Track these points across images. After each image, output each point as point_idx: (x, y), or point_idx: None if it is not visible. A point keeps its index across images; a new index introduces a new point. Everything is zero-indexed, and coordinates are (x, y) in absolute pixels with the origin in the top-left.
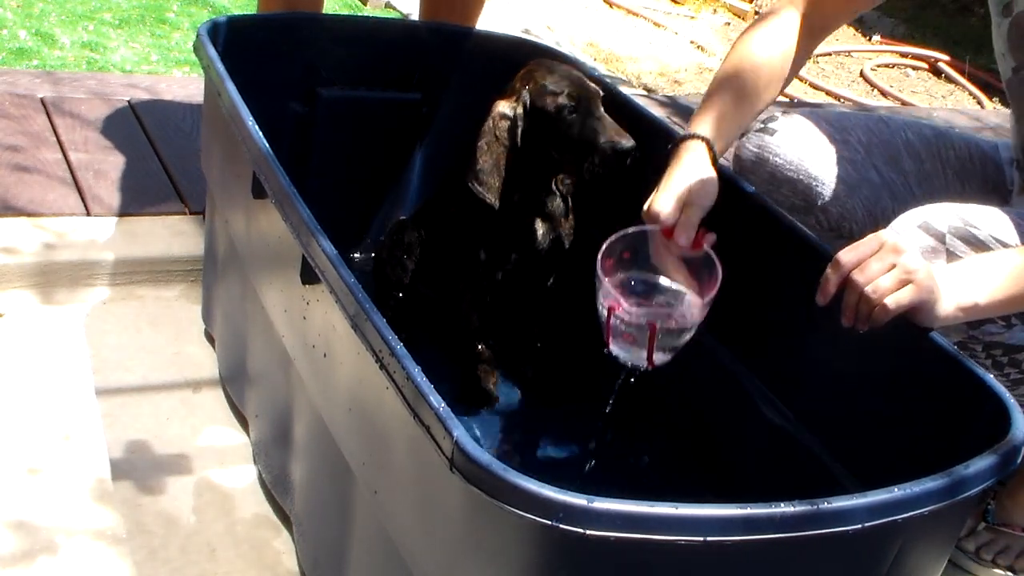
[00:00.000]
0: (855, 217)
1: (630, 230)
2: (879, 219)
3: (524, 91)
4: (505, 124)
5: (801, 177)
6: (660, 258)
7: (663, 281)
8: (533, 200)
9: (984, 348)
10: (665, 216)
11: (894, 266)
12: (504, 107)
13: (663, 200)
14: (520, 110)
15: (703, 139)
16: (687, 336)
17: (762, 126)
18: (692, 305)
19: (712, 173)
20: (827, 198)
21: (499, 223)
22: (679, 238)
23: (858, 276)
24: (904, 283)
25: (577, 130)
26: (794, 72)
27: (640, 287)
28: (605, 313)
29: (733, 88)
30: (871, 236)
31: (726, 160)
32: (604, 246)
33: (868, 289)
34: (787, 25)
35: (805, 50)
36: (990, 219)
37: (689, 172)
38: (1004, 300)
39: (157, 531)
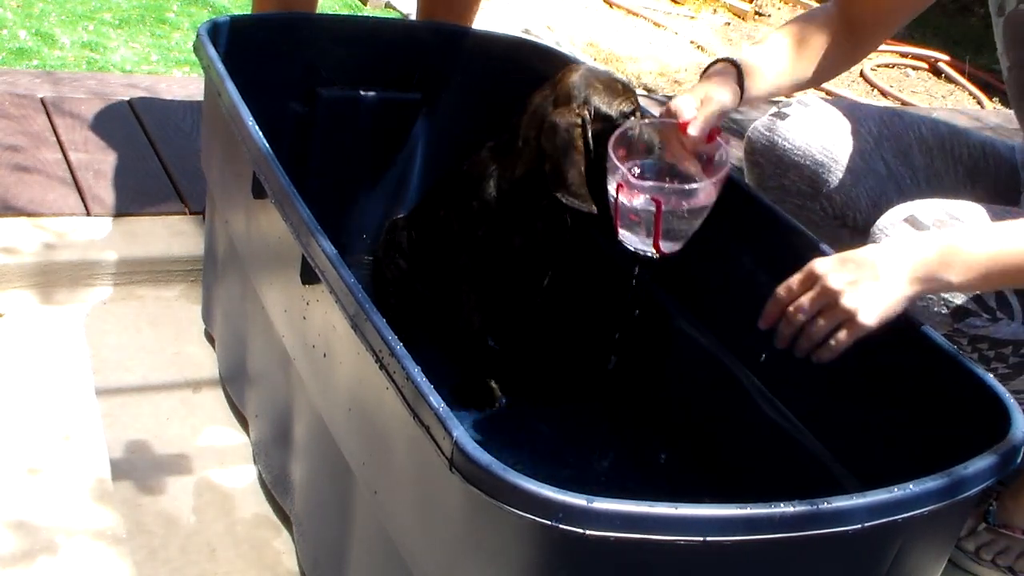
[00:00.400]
0: (859, 206)
1: (644, 121)
2: (883, 210)
3: (588, 97)
4: (579, 132)
5: (808, 163)
6: (673, 149)
7: (673, 170)
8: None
9: (970, 342)
10: (684, 110)
11: (831, 301)
12: (570, 116)
13: (684, 98)
14: (588, 115)
15: (731, 61)
16: (697, 223)
17: (776, 111)
18: (700, 187)
19: (734, 85)
20: (833, 185)
21: (494, 224)
22: (692, 129)
23: (797, 315)
24: (840, 324)
25: None
26: (832, 69)
27: (651, 174)
28: (613, 194)
29: (770, 52)
30: (806, 269)
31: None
32: (616, 133)
33: (805, 331)
34: (827, 19)
35: (845, 48)
36: (974, 213)
37: (712, 80)
38: (980, 273)
39: (157, 531)
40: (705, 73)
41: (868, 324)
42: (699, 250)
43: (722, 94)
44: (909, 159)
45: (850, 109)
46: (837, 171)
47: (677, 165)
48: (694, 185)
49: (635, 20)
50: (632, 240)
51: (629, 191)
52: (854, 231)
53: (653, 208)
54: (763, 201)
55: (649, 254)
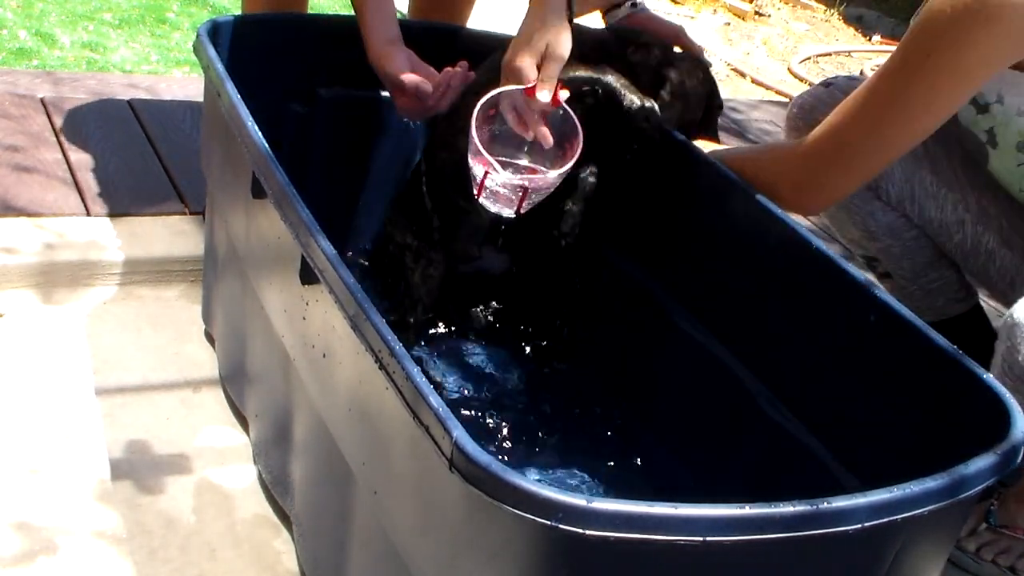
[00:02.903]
0: (892, 179)
1: (496, 91)
2: (915, 188)
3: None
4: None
5: None
6: (520, 118)
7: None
8: None
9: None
10: (528, 73)
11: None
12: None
13: (524, 60)
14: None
15: None
16: (553, 189)
17: (824, 81)
18: (559, 172)
19: (567, 31)
20: None
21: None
22: (540, 94)
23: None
24: None
25: None
26: None
27: (505, 141)
28: (479, 173)
29: None
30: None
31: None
32: (477, 106)
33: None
34: None
35: None
36: None
37: (547, 27)
38: None
39: (157, 531)
40: (533, 5)
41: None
42: (697, 250)
43: (560, 48)
44: (947, 143)
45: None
46: None
47: (524, 131)
48: (553, 173)
49: None
50: (494, 207)
51: (493, 178)
52: (886, 204)
53: (517, 193)
54: (762, 202)
55: (509, 216)
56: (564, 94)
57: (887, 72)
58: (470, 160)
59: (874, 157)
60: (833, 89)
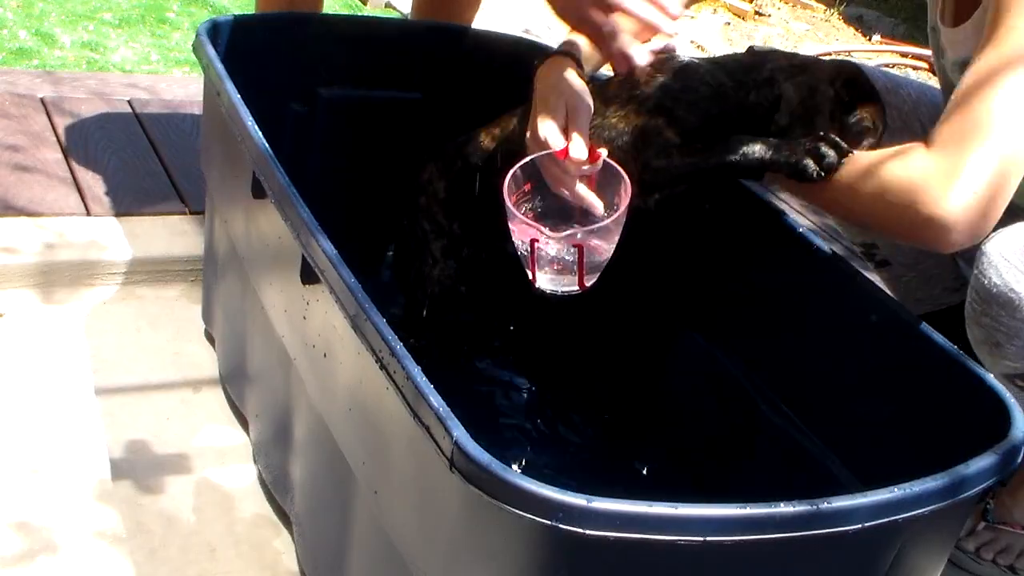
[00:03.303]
0: None
1: (524, 161)
2: None
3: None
4: None
5: None
6: (561, 183)
7: (569, 204)
8: None
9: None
10: (554, 138)
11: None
12: None
13: (545, 124)
14: None
15: (565, 54)
16: (613, 247)
17: None
18: (612, 220)
19: (583, 83)
20: None
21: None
22: (575, 154)
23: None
24: None
25: None
26: None
27: (550, 215)
28: (527, 247)
29: None
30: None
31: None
32: (505, 182)
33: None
34: None
35: None
36: None
37: (561, 88)
38: None
39: (157, 531)
40: (542, 74)
41: None
42: (695, 251)
43: (582, 105)
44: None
45: (891, 75)
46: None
47: (571, 198)
48: (605, 222)
49: None
50: (553, 285)
51: (544, 242)
52: None
53: (573, 254)
54: (765, 200)
55: (574, 291)
56: (602, 150)
57: (1006, 35)
58: (515, 240)
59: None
60: None
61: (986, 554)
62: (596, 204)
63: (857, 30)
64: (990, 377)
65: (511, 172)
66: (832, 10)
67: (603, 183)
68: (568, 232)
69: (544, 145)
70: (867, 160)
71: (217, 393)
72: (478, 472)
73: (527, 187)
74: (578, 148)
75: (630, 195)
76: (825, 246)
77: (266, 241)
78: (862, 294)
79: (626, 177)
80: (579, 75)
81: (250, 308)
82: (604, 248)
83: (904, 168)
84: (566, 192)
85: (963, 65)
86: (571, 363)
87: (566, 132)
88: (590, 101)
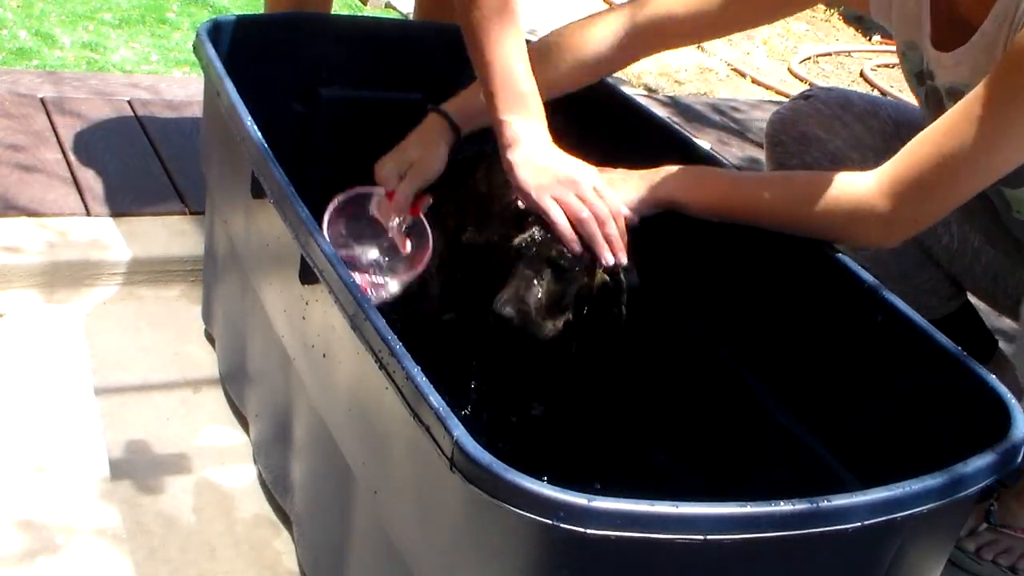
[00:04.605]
0: None
1: (359, 189)
2: None
3: None
4: None
5: (831, 137)
6: (382, 215)
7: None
8: None
9: None
10: (386, 183)
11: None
12: None
13: (389, 167)
14: None
15: (442, 113)
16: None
17: (801, 93)
18: (394, 282)
19: (440, 149)
20: (856, 161)
21: None
22: (396, 204)
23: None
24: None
25: None
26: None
27: (360, 236)
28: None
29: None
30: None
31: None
32: (335, 200)
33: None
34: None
35: (633, 41)
36: None
37: (420, 145)
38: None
39: (157, 531)
40: (421, 123)
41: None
42: (697, 251)
43: (424, 168)
44: None
45: (870, 98)
46: (859, 148)
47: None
48: (392, 284)
49: None
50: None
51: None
52: None
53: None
54: None
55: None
56: (426, 202)
57: (990, 96)
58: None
59: (973, 182)
60: (814, 101)
61: (987, 554)
62: (401, 246)
63: (857, 30)
64: (990, 377)
65: (344, 194)
66: (832, 10)
67: (417, 231)
68: (361, 276)
69: (380, 182)
70: (801, 186)
71: (217, 393)
72: (478, 472)
73: (348, 209)
74: (399, 200)
75: (424, 263)
76: (824, 246)
77: (265, 241)
78: (864, 293)
79: (431, 239)
80: (444, 140)
81: (250, 308)
82: (392, 283)
83: (846, 203)
84: (383, 222)
85: (952, 92)
86: (571, 363)
87: (401, 179)
88: (437, 168)
